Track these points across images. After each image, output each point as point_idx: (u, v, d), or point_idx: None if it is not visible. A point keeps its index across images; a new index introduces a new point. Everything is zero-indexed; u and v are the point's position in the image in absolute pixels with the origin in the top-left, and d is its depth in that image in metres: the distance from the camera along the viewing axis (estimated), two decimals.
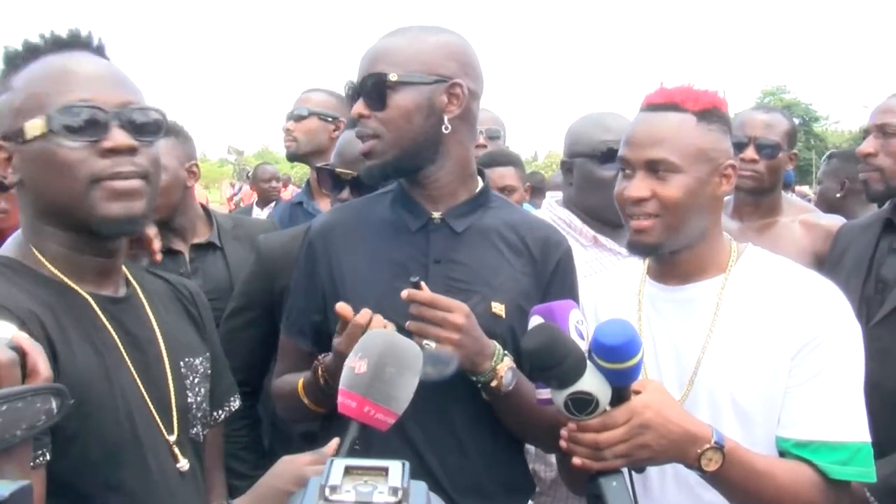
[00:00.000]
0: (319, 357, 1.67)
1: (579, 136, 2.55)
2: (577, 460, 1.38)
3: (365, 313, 1.52)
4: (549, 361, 1.30)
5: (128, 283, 1.44)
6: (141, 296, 1.44)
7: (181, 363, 1.43)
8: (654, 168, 1.57)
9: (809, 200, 4.15)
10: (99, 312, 1.32)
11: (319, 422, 1.81)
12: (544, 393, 1.40)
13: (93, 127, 1.26)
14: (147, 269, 1.59)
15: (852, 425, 1.50)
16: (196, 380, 1.46)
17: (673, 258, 1.63)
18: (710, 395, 1.57)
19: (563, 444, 1.41)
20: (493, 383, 1.58)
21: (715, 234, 1.65)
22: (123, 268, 1.44)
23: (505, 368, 1.58)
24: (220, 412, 1.58)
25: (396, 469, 0.74)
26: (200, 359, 1.50)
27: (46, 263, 1.32)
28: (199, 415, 1.46)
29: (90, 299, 1.32)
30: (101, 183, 1.27)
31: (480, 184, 1.79)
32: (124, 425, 1.28)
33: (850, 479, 1.49)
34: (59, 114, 1.25)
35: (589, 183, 2.52)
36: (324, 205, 2.92)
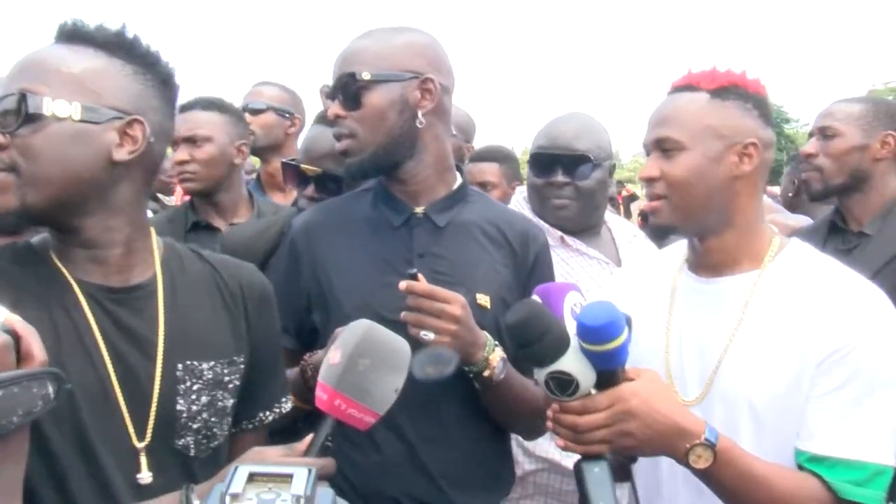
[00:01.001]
0: (306, 356, 1.69)
1: (534, 139, 2.53)
2: (559, 441, 1.35)
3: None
4: (528, 337, 1.27)
5: (161, 271, 1.36)
6: (160, 287, 1.35)
7: (179, 365, 1.32)
8: (663, 147, 1.54)
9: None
10: (82, 300, 1.26)
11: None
12: None
13: None
14: (198, 253, 1.47)
15: (876, 445, 1.40)
16: (196, 386, 1.34)
17: (703, 247, 1.58)
18: (727, 398, 1.50)
19: (548, 424, 1.38)
20: (486, 373, 1.62)
21: (747, 221, 1.56)
22: (156, 253, 1.37)
23: (497, 358, 1.63)
24: (268, 413, 1.49)
25: (301, 476, 0.71)
26: (214, 363, 1.36)
27: (50, 250, 1.30)
28: (193, 426, 1.33)
29: (75, 285, 1.27)
30: None
31: (459, 179, 1.83)
32: (67, 423, 1.21)
33: (861, 503, 1.40)
34: None
35: (529, 188, 2.53)
36: (277, 199, 2.91)
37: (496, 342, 1.64)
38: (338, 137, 1.74)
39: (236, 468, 0.72)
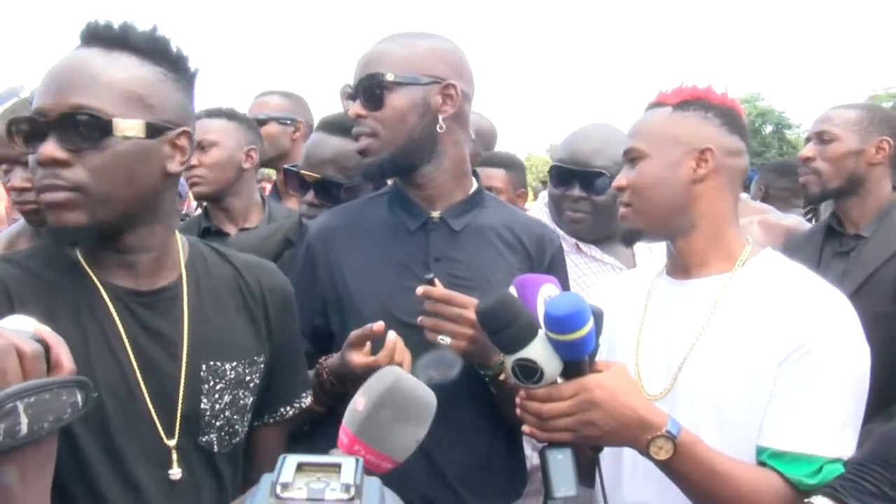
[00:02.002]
0: (322, 360, 1.69)
1: (558, 147, 2.62)
2: (525, 428, 1.41)
3: (381, 324, 1.57)
4: (496, 324, 1.32)
5: (187, 273, 1.39)
6: (185, 289, 1.38)
7: (203, 366, 1.36)
8: (630, 157, 1.64)
9: None
10: (109, 303, 1.29)
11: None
12: None
13: (34, 136, 1.24)
14: (223, 254, 1.50)
15: (829, 439, 1.44)
16: (219, 385, 1.38)
17: (675, 249, 1.67)
18: (691, 395, 1.55)
19: (517, 410, 1.43)
20: (502, 376, 1.64)
21: (714, 225, 1.63)
22: (181, 254, 1.40)
23: (511, 361, 1.60)
24: (289, 409, 1.54)
25: (350, 465, 0.74)
26: (236, 363, 1.40)
27: (78, 252, 1.32)
28: (216, 423, 1.38)
29: (102, 289, 1.29)
30: (41, 193, 1.25)
31: (475, 184, 1.86)
32: (96, 424, 1.24)
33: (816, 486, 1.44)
34: (10, 118, 1.25)
35: (549, 196, 2.60)
36: (291, 204, 2.93)
37: None
38: (357, 136, 1.76)
39: (284, 458, 0.74)
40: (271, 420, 1.52)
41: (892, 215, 2.55)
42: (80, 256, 1.32)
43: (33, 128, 1.23)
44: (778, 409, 1.47)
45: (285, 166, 2.37)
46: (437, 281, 1.62)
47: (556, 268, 1.84)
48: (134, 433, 1.28)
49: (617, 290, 1.80)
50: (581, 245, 2.48)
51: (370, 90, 1.71)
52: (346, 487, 0.71)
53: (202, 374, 1.36)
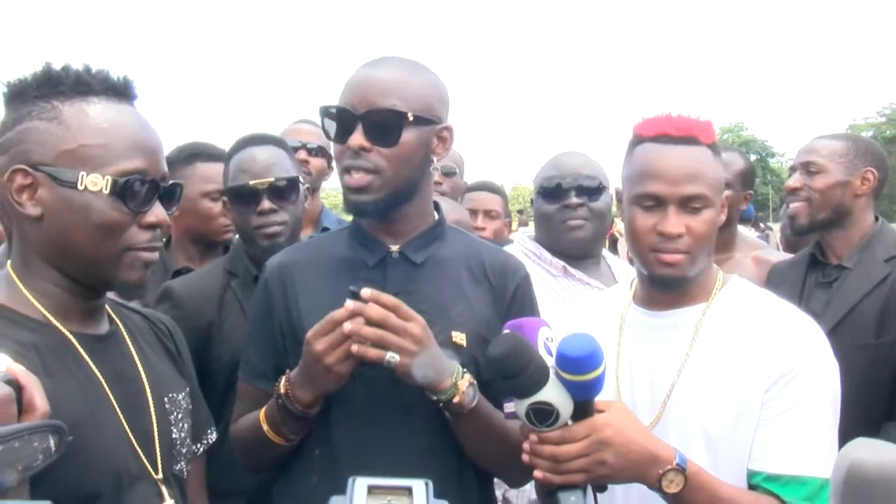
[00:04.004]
0: (287, 371, 1.65)
1: (538, 174, 2.68)
2: (538, 473, 1.41)
3: (343, 310, 1.51)
4: (512, 369, 1.32)
5: (111, 320, 1.43)
6: (123, 332, 1.43)
7: (165, 399, 1.42)
8: (689, 203, 1.58)
9: (767, 236, 4.45)
10: (81, 351, 1.31)
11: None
12: (511, 406, 1.42)
13: (142, 199, 1.30)
14: (124, 305, 1.55)
15: (820, 460, 1.50)
16: (180, 415, 1.45)
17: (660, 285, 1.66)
18: (680, 423, 1.58)
19: (525, 457, 1.43)
20: (456, 399, 1.56)
21: (708, 261, 1.67)
22: (106, 305, 1.43)
23: (466, 384, 1.57)
24: (199, 445, 1.59)
25: (420, 489, 0.75)
26: (182, 394, 1.49)
27: (34, 302, 1.30)
28: (182, 450, 1.45)
29: (72, 338, 1.30)
30: (134, 252, 1.31)
31: (436, 216, 1.80)
32: (109, 465, 1.27)
33: None
34: (120, 179, 1.28)
35: (538, 217, 2.65)
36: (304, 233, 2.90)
37: (465, 370, 1.59)
38: (352, 170, 1.63)
39: (354, 480, 0.76)
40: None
41: (873, 246, 2.60)
42: (43, 310, 1.31)
43: None
44: (768, 433, 1.53)
45: (230, 186, 2.30)
46: (370, 292, 1.52)
47: (520, 298, 1.77)
48: (132, 471, 1.31)
49: (586, 319, 1.79)
50: (569, 268, 2.54)
51: (383, 125, 1.61)
52: None
53: (166, 406, 1.43)
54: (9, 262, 1.35)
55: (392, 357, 1.49)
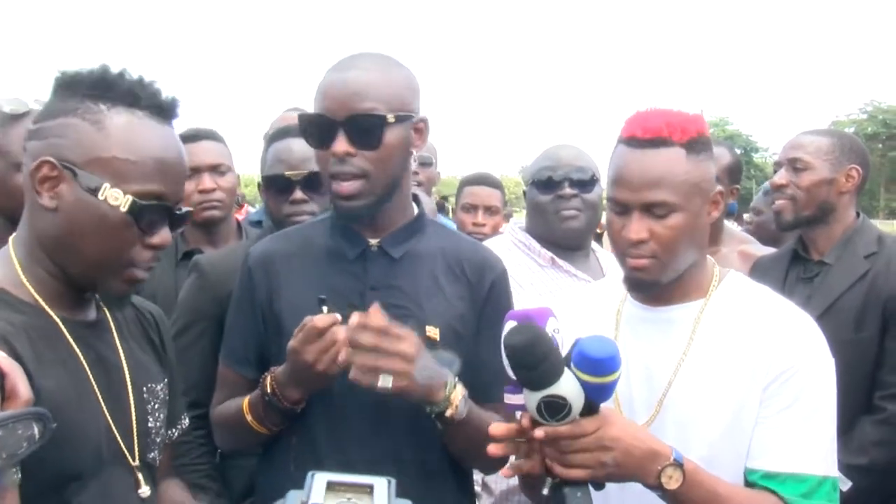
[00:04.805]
0: (271, 369, 1.66)
1: (530, 166, 2.71)
2: (528, 466, 1.40)
3: (324, 317, 1.52)
4: (531, 360, 1.29)
5: (98, 307, 1.44)
6: (110, 320, 1.45)
7: (144, 388, 1.44)
8: (651, 209, 1.55)
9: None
10: (68, 336, 1.32)
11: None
12: (514, 398, 1.39)
13: (153, 221, 1.32)
14: None
15: (818, 458, 1.51)
16: (157, 405, 1.47)
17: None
18: (678, 420, 1.57)
19: (492, 447, 1.41)
20: (448, 412, 1.57)
21: (702, 258, 1.66)
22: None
23: (459, 397, 1.58)
24: (174, 430, 1.61)
25: (382, 487, 0.74)
26: (161, 385, 1.51)
27: (28, 286, 1.32)
28: (157, 440, 1.47)
29: (60, 323, 1.32)
30: (132, 269, 1.33)
31: (416, 210, 1.80)
32: (90, 450, 1.29)
33: None
34: (139, 200, 1.29)
35: (531, 208, 2.66)
36: None
37: (457, 379, 1.59)
38: (340, 177, 1.63)
39: (313, 475, 0.75)
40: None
41: (854, 242, 2.61)
42: (35, 294, 1.33)
43: None
44: (767, 431, 1.53)
45: (266, 174, 2.34)
46: (377, 306, 1.52)
47: (496, 293, 1.77)
48: (112, 458, 1.34)
49: (580, 314, 1.75)
50: (556, 259, 2.56)
51: (365, 129, 1.61)
52: None
53: (145, 395, 1.44)
54: (11, 238, 1.37)
55: (385, 383, 1.50)
